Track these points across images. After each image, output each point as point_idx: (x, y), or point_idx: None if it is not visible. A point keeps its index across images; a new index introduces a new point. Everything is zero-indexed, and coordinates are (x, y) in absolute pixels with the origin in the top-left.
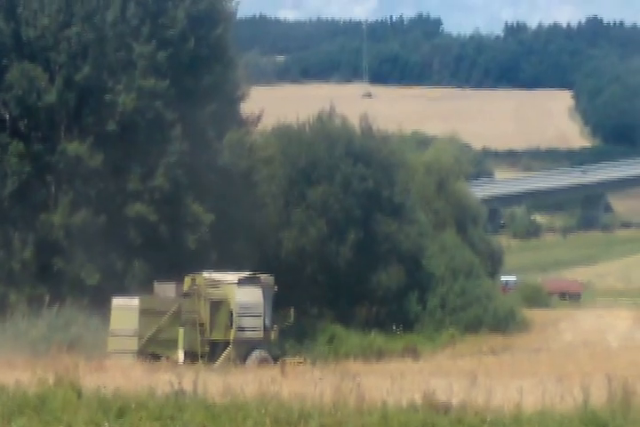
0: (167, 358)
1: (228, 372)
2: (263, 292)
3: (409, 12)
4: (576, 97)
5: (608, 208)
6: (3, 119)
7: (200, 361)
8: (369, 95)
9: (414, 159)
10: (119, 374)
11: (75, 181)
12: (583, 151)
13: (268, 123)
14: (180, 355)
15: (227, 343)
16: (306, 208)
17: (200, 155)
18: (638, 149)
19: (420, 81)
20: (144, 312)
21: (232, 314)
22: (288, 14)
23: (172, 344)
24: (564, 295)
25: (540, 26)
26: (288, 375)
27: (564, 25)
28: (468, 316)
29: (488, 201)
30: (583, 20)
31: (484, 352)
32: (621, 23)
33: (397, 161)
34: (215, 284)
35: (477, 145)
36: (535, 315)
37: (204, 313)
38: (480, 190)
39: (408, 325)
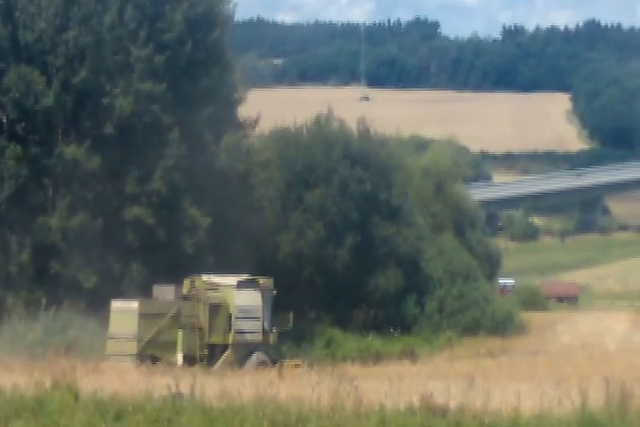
0: (164, 361)
1: (225, 375)
2: (262, 295)
3: (407, 15)
4: (574, 100)
5: (606, 211)
6: (0, 122)
7: (198, 364)
8: (366, 98)
9: (412, 162)
10: (116, 377)
11: (72, 185)
12: (581, 154)
13: (265, 126)
14: (179, 358)
15: (225, 346)
16: (303, 211)
17: (197, 158)
18: (636, 152)
19: (417, 84)
20: (143, 315)
21: (231, 317)
22: (286, 17)
23: (171, 347)
24: (561, 298)
25: (537, 29)
26: (285, 378)
27: (562, 28)
28: (466, 318)
29: (486, 204)
30: (581, 23)
31: (481, 355)
32: (619, 26)
33: (395, 164)
34: (214, 287)
35: (475, 148)
36: (533, 318)
37: (203, 316)
38: (478, 193)
39: (406, 328)
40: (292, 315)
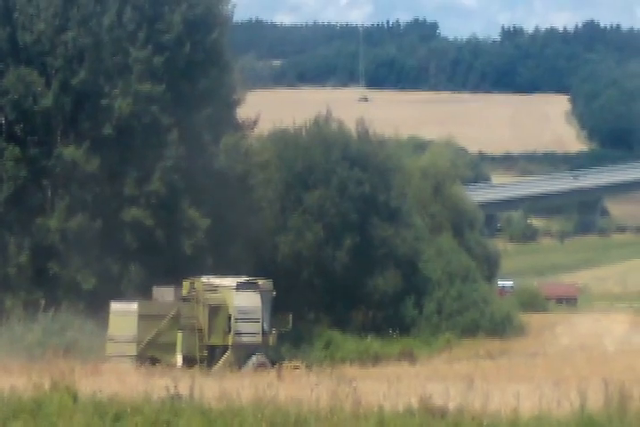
0: (164, 362)
1: (224, 376)
2: (261, 296)
3: (405, 17)
4: (573, 101)
5: (604, 212)
6: None
7: (198, 366)
8: (365, 99)
9: (411, 163)
10: (115, 378)
11: (71, 186)
12: (580, 155)
13: (264, 127)
14: (179, 359)
15: (225, 348)
16: (302, 213)
17: (196, 159)
18: (635, 154)
19: (416, 85)
20: (143, 317)
21: (230, 319)
22: (284, 18)
23: (171, 348)
24: (560, 299)
25: (536, 30)
26: (285, 380)
27: (561, 29)
28: (465, 320)
29: (485, 205)
30: (580, 25)
31: (480, 356)
32: (618, 27)
33: (394, 165)
34: (214, 288)
35: (474, 149)
36: (532, 319)
37: (203, 318)
38: (477, 194)
39: (404, 329)
40: (291, 316)
